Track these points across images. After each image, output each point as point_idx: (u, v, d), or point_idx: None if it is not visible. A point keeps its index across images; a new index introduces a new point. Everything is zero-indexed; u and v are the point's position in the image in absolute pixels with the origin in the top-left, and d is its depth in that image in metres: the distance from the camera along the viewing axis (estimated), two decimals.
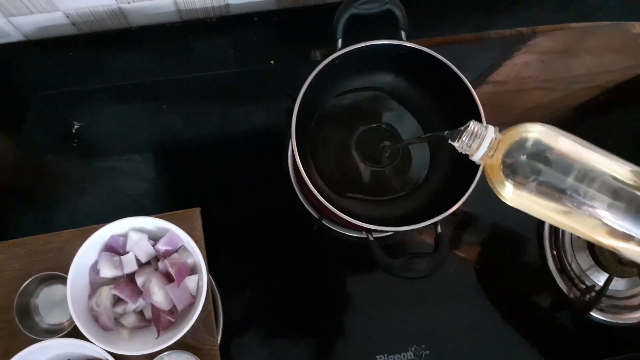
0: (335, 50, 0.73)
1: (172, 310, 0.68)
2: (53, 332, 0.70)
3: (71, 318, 0.64)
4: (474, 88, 0.74)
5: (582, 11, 1.04)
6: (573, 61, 1.01)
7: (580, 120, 0.98)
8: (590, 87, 1.00)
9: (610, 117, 1.00)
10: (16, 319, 0.67)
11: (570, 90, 1.00)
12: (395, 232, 0.81)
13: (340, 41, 0.73)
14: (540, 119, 0.97)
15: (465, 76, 0.75)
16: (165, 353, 0.67)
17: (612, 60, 1.02)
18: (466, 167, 0.73)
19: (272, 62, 0.93)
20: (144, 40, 0.93)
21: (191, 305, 0.68)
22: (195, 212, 0.74)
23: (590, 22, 1.02)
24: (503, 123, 0.96)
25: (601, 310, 0.86)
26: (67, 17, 0.88)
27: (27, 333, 0.67)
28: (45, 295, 0.72)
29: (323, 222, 0.84)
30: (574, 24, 1.01)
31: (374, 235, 0.72)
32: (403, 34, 0.74)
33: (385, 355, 0.82)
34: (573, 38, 1.02)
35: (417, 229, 0.69)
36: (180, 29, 0.94)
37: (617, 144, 0.94)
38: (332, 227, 0.85)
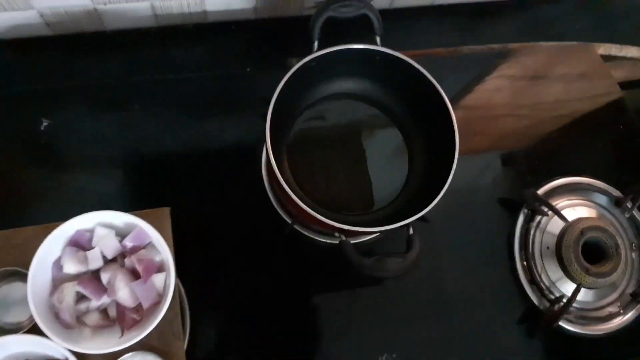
0: (311, 53, 0.73)
1: (138, 309, 0.66)
2: (10, 331, 0.66)
3: (31, 317, 0.61)
4: None
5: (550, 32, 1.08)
6: (542, 88, 1.04)
7: (547, 148, 1.00)
8: (557, 115, 1.03)
9: (576, 146, 1.02)
10: None
11: (539, 118, 1.02)
12: (367, 232, 0.80)
13: (316, 43, 0.74)
14: (510, 147, 1.00)
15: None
16: (129, 354, 0.65)
17: (579, 88, 1.05)
18: (439, 173, 0.73)
19: (248, 69, 0.93)
20: (119, 44, 0.93)
21: (157, 304, 0.66)
22: (165, 212, 0.73)
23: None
24: (475, 150, 0.99)
25: (570, 321, 0.87)
26: (41, 16, 0.86)
27: None
28: (4, 293, 0.69)
29: (295, 226, 0.83)
30: (543, 43, 1.05)
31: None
32: (378, 39, 0.75)
33: None
34: (542, 62, 1.05)
35: (390, 230, 0.69)
36: (156, 34, 0.94)
37: (583, 170, 0.96)
38: (304, 232, 0.85)
